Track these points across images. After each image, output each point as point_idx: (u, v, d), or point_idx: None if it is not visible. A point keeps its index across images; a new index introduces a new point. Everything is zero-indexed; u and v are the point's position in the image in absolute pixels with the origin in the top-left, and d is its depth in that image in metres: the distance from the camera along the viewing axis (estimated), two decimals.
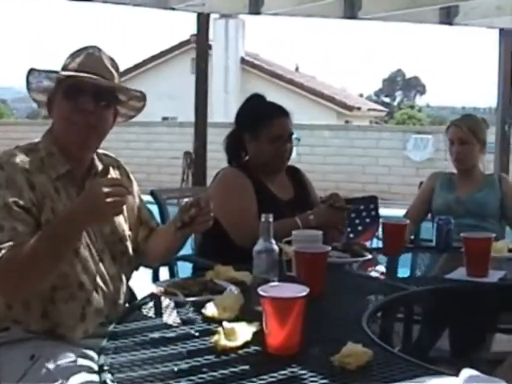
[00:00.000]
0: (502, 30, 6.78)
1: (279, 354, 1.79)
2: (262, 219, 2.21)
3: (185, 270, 3.48)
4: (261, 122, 3.39)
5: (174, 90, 22.05)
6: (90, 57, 2.33)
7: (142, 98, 2.46)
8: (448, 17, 6.24)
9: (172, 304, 2.27)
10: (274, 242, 2.21)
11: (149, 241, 2.60)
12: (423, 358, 3.30)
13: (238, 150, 3.50)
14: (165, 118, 21.65)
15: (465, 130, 4.02)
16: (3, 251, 2.04)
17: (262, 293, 1.79)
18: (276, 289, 1.85)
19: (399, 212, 5.23)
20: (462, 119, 4.16)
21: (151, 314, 2.21)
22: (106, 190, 2.00)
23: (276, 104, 3.51)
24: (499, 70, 6.92)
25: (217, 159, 7.63)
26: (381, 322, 2.59)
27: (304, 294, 1.79)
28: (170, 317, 2.16)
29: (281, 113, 3.46)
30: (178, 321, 2.09)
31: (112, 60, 2.39)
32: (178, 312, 2.19)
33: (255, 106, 3.49)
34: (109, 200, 2.00)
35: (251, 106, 3.51)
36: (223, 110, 19.49)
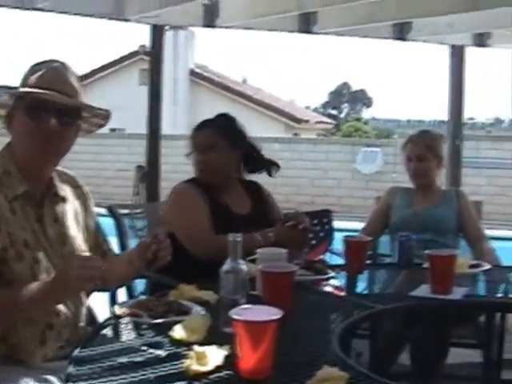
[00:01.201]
0: (453, 47, 6.88)
1: (252, 379, 1.75)
2: (230, 238, 2.17)
3: (140, 284, 3.44)
4: (189, 137, 3.50)
5: (123, 101, 21.88)
6: (53, 72, 2.26)
7: (107, 115, 2.41)
8: (401, 33, 6.30)
9: (137, 326, 2.20)
10: (242, 262, 2.17)
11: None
12: (385, 374, 3.31)
13: None
14: (113, 130, 21.43)
15: (422, 147, 4.03)
16: None
17: (235, 316, 1.74)
18: (249, 311, 1.80)
19: (349, 225, 5.25)
20: (420, 135, 4.14)
21: (116, 336, 2.14)
22: (77, 272, 1.99)
23: (207, 119, 3.53)
24: (450, 86, 7.01)
25: (166, 171, 7.62)
26: (340, 339, 2.56)
27: (278, 316, 1.75)
28: (136, 340, 2.09)
29: (204, 124, 3.49)
30: (145, 344, 2.03)
31: (76, 75, 2.33)
32: (143, 334, 2.12)
33: None
34: (80, 282, 2.00)
35: None
36: (172, 122, 19.39)
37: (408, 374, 3.73)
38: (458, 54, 6.92)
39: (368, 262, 3.50)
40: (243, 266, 2.16)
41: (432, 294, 2.78)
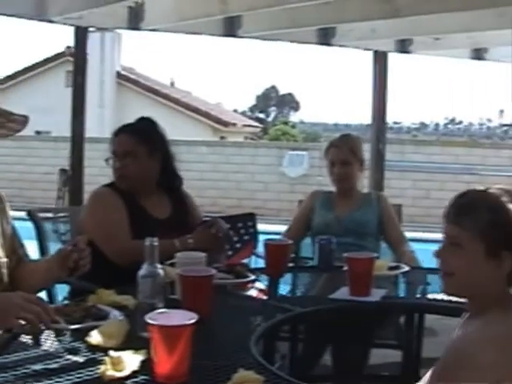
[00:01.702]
0: (376, 52, 6.98)
1: (168, 383, 1.75)
2: (147, 243, 2.16)
3: (62, 290, 3.40)
4: (110, 142, 3.45)
5: (48, 103, 21.57)
6: None
7: (24, 121, 2.37)
8: (326, 38, 6.36)
9: (54, 332, 2.17)
10: (159, 266, 2.16)
11: (19, 271, 2.53)
12: (307, 376, 3.34)
13: None
14: (38, 132, 21.09)
15: (345, 151, 4.04)
16: None
17: (149, 321, 1.74)
18: (164, 316, 1.80)
19: (275, 228, 5.27)
20: (342, 140, 4.14)
21: (31, 343, 2.09)
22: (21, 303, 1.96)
23: (127, 124, 3.50)
24: (373, 90, 7.11)
25: (92, 175, 7.53)
26: (265, 342, 2.58)
27: (193, 321, 1.75)
28: (53, 346, 2.06)
29: (123, 129, 3.46)
30: (62, 350, 2.01)
31: None
32: (60, 340, 2.10)
33: None
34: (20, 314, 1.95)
35: None
36: (98, 124, 19.19)
37: (330, 376, 3.78)
38: (381, 60, 7.02)
39: (291, 264, 3.54)
40: (160, 270, 2.16)
41: (351, 297, 2.82)
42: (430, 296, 3.07)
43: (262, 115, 58.32)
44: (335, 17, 5.89)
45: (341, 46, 6.63)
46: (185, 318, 1.77)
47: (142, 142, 3.39)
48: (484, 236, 1.84)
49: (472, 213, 1.86)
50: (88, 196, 3.45)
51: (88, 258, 2.42)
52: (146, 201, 3.41)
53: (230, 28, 6.01)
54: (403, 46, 6.79)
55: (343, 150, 4.05)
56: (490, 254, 1.83)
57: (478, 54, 7.11)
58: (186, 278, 2.38)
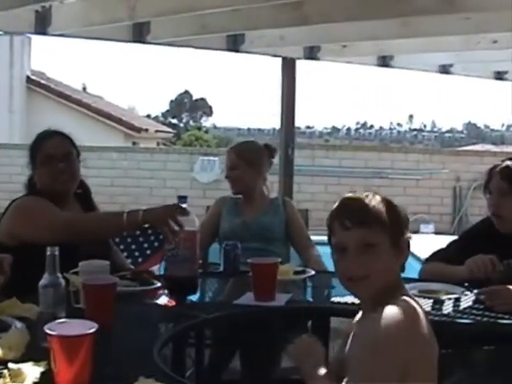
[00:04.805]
0: (284, 59, 7.06)
1: None
2: (48, 252, 2.15)
3: None
4: (35, 148, 3.36)
5: None
6: None
7: None
8: (235, 44, 6.38)
9: None
10: (60, 275, 2.15)
11: None
12: (216, 381, 3.36)
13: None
14: None
15: (233, 157, 4.16)
16: None
17: (48, 331, 1.73)
18: (64, 326, 1.79)
19: None
20: (235, 146, 4.32)
21: None
22: None
23: (52, 129, 3.45)
24: (282, 96, 7.18)
25: (2, 182, 7.40)
26: (172, 349, 2.59)
27: (93, 330, 1.75)
28: None
29: (53, 133, 3.42)
30: None
31: None
32: None
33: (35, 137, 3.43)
34: None
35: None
36: (8, 130, 18.82)
37: (238, 381, 3.80)
38: (289, 66, 7.09)
39: (199, 271, 3.55)
40: (61, 279, 2.15)
41: (255, 302, 2.85)
42: (334, 299, 3.12)
43: (175, 120, 58.12)
44: (244, 23, 5.91)
45: (250, 52, 6.65)
46: (84, 327, 1.76)
47: (72, 144, 3.42)
48: (387, 228, 1.92)
49: (371, 211, 1.93)
50: (9, 207, 3.29)
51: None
52: (62, 209, 3.34)
53: (139, 34, 5.97)
54: (311, 53, 6.87)
55: (230, 155, 4.20)
56: (394, 246, 1.92)
57: (384, 62, 7.25)
58: (88, 287, 2.37)
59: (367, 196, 1.99)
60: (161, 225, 2.94)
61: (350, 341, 1.98)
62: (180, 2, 5.19)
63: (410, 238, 2.02)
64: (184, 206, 2.89)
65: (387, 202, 1.99)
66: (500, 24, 5.21)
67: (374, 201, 1.97)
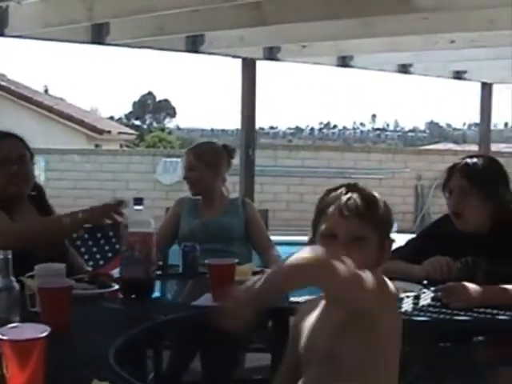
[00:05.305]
0: (244, 59, 7.06)
1: None
2: (1, 256, 2.12)
3: None
4: None
5: None
6: None
7: None
8: (194, 45, 6.37)
9: None
10: (13, 279, 2.13)
11: None
12: (176, 382, 3.33)
13: None
14: None
15: (191, 158, 4.19)
16: None
17: None
18: (15, 330, 1.77)
19: None
20: (193, 147, 4.34)
21: None
22: None
23: (5, 131, 3.44)
24: (242, 97, 7.19)
25: None
26: (131, 352, 2.57)
27: (45, 333, 1.73)
28: None
29: (6, 135, 3.40)
30: None
31: None
32: None
33: None
34: None
35: None
36: None
37: (199, 382, 3.78)
38: (249, 67, 7.11)
39: (158, 272, 3.53)
40: (15, 283, 2.13)
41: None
42: (293, 299, 3.12)
43: (138, 122, 57.90)
44: (203, 24, 5.91)
45: (210, 53, 6.66)
46: (36, 331, 1.74)
47: (26, 146, 3.41)
48: (379, 226, 1.93)
49: (371, 205, 1.95)
50: None
51: None
52: (16, 212, 3.29)
53: (98, 35, 5.93)
54: (271, 54, 6.89)
55: (188, 156, 4.22)
56: (380, 245, 1.97)
57: (344, 62, 7.30)
58: (44, 290, 2.35)
59: (369, 190, 2.00)
60: (99, 219, 3.14)
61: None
62: (138, 3, 5.18)
63: (393, 241, 2.03)
64: (139, 207, 2.87)
65: (384, 202, 2.00)
66: (456, 24, 5.27)
67: (375, 197, 1.99)
